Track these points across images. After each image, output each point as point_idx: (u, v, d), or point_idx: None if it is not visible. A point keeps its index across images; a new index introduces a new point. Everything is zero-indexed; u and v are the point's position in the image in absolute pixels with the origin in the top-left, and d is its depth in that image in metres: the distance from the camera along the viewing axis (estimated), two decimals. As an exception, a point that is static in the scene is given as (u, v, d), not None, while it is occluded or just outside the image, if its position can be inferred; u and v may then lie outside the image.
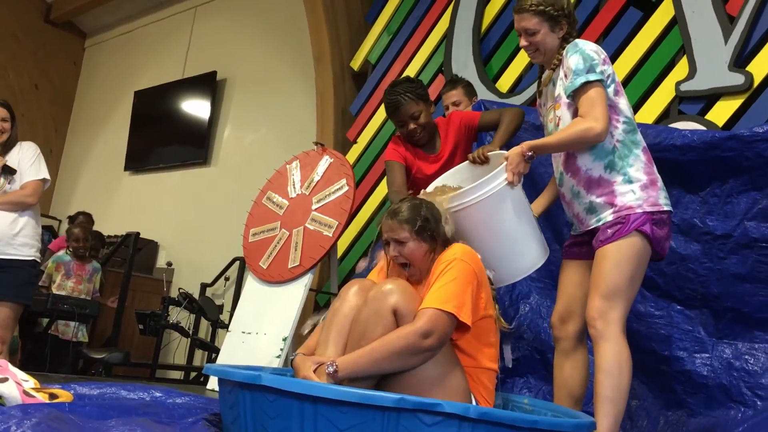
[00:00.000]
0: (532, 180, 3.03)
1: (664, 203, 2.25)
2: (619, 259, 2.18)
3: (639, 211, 2.20)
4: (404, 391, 1.79)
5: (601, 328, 2.17)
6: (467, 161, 2.57)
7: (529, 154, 2.28)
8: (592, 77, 2.23)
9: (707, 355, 2.70)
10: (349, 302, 2.04)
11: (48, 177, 3.70)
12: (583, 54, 2.27)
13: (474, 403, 2.01)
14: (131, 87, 7.95)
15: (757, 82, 3.34)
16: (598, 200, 2.27)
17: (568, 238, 2.49)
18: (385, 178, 3.19)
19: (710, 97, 3.48)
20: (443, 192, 2.33)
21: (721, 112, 3.42)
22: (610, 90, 2.30)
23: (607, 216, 2.24)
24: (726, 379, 2.62)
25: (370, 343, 1.89)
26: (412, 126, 2.94)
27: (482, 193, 2.25)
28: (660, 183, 2.29)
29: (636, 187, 2.23)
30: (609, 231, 2.21)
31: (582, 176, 2.32)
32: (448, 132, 3.03)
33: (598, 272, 2.21)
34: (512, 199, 2.33)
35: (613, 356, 2.15)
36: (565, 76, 2.32)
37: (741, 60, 3.42)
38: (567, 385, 2.39)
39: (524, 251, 2.42)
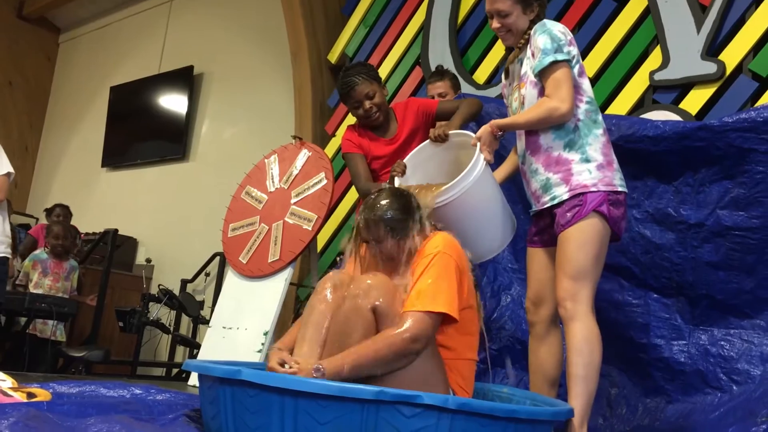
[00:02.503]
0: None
1: (619, 184, 2.29)
2: (582, 241, 2.22)
3: (594, 190, 2.24)
4: (383, 383, 1.79)
5: (570, 308, 2.22)
6: (428, 140, 2.60)
7: (499, 133, 2.37)
8: (560, 57, 2.27)
9: (684, 342, 2.73)
10: (326, 298, 1.99)
11: (12, 170, 3.62)
12: (550, 34, 2.31)
13: (452, 394, 2.01)
14: (107, 82, 7.87)
15: (729, 70, 3.38)
16: (554, 177, 2.31)
17: (530, 227, 2.53)
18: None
19: (684, 86, 3.52)
20: (427, 189, 2.36)
21: (695, 101, 3.46)
22: (575, 70, 2.33)
23: (562, 195, 2.28)
24: (703, 365, 2.65)
25: (356, 347, 1.84)
26: (368, 105, 2.94)
27: (470, 180, 2.30)
28: (616, 165, 2.33)
29: (592, 167, 2.27)
30: (568, 215, 2.25)
31: (542, 154, 2.36)
32: (405, 116, 3.03)
33: (563, 255, 2.25)
34: (491, 177, 2.46)
35: (583, 334, 2.19)
36: (533, 55, 2.35)
37: (713, 49, 3.46)
38: (542, 369, 2.42)
39: (503, 224, 2.52)
